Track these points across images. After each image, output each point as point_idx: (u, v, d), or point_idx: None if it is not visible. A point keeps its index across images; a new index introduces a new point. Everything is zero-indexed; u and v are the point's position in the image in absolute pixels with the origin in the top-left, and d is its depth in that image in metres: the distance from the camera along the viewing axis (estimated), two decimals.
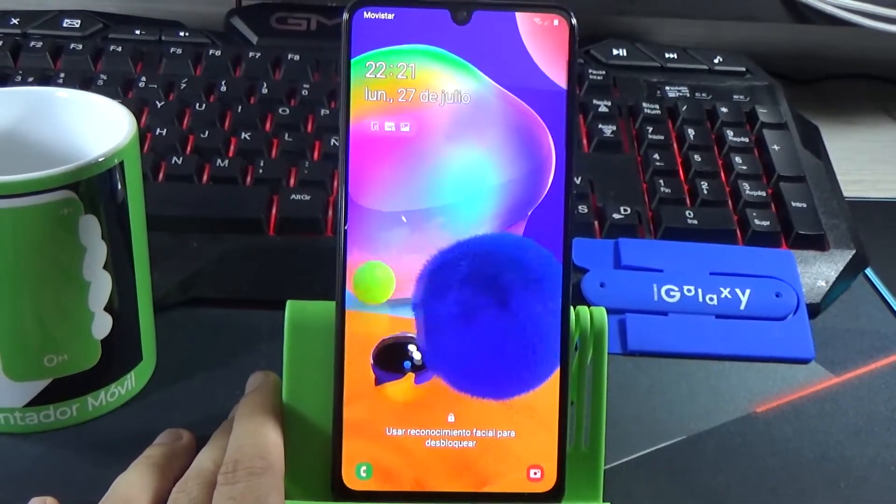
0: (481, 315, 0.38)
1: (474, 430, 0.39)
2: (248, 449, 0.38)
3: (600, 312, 0.40)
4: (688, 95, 0.69)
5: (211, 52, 0.68)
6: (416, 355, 0.38)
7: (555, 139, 0.38)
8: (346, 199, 0.38)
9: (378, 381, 0.38)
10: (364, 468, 0.38)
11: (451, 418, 0.38)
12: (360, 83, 0.38)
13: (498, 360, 0.38)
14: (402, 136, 0.38)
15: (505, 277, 0.38)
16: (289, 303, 0.40)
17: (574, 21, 0.38)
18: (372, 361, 0.38)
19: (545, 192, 0.38)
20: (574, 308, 0.40)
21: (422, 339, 0.38)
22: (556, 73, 0.38)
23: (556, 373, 0.39)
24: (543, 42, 0.38)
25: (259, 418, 0.39)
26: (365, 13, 0.37)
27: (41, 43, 0.67)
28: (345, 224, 0.38)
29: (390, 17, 0.38)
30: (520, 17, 0.38)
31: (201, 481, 0.38)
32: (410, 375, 0.38)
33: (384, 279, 0.38)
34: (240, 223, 0.55)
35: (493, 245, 0.38)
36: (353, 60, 0.38)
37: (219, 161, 0.58)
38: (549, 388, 0.39)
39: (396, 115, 0.38)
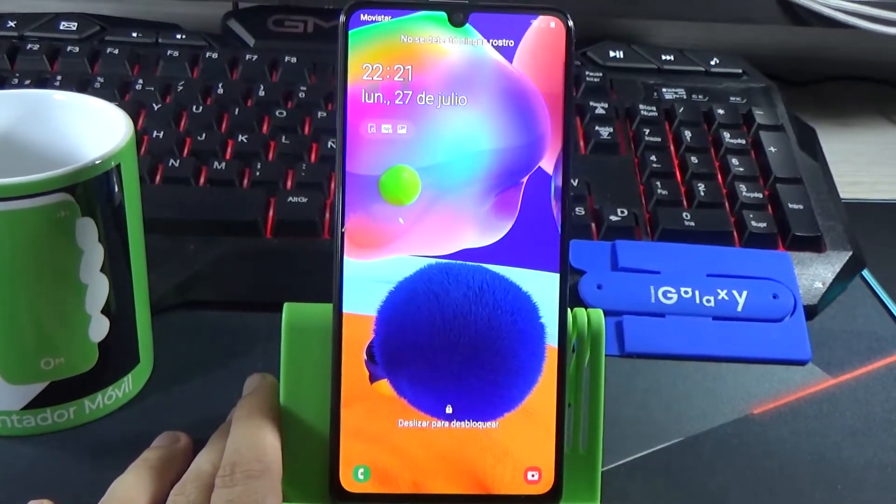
0: (464, 342, 0.38)
1: (472, 433, 0.39)
2: (246, 452, 0.38)
3: (597, 314, 0.41)
4: (684, 97, 0.69)
5: (208, 54, 0.68)
6: None
7: (551, 137, 0.38)
8: (343, 199, 0.38)
9: (372, 379, 0.38)
10: (362, 470, 0.38)
11: (447, 421, 0.38)
12: (357, 84, 0.38)
13: (479, 388, 0.38)
14: (398, 137, 0.38)
15: (489, 297, 0.38)
16: (286, 305, 0.40)
17: (570, 23, 0.38)
18: (365, 357, 0.38)
19: (538, 165, 0.38)
20: (571, 310, 0.40)
21: (396, 378, 0.38)
22: (553, 75, 0.38)
23: (553, 375, 0.39)
24: (540, 44, 0.38)
25: (256, 421, 0.39)
26: (361, 15, 0.38)
27: (38, 45, 0.67)
28: (342, 226, 0.38)
29: (387, 18, 0.38)
30: (516, 19, 0.38)
31: (199, 484, 0.38)
32: None
33: (410, 181, 0.38)
34: (237, 226, 0.55)
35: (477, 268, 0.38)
36: (349, 63, 0.38)
37: (216, 163, 0.58)
38: (547, 391, 0.39)
39: (394, 117, 0.38)
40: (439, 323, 0.38)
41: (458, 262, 0.38)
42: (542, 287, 0.38)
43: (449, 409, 0.39)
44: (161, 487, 0.39)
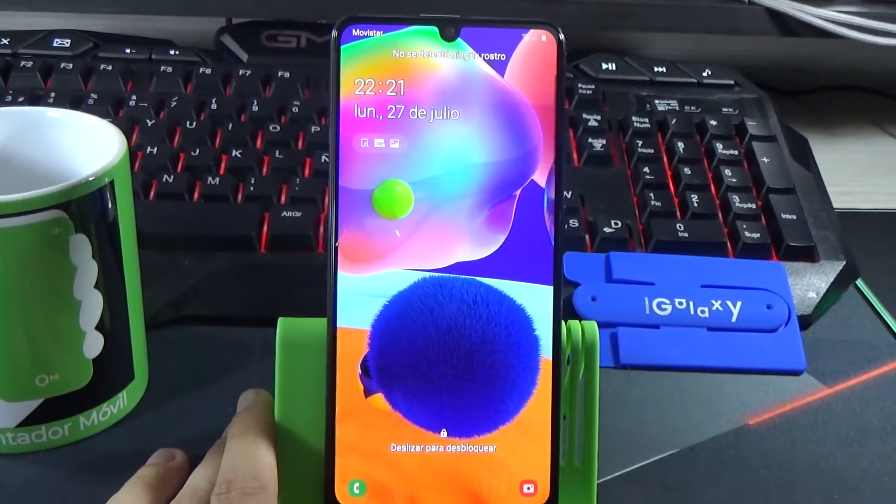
0: (458, 355, 0.38)
1: (467, 446, 0.39)
2: (242, 469, 0.38)
3: (591, 326, 0.41)
4: (677, 109, 0.69)
5: (201, 70, 0.68)
6: None
7: (544, 150, 0.38)
8: (336, 214, 0.38)
9: (367, 393, 0.38)
10: (357, 485, 0.38)
11: (443, 433, 0.38)
12: (350, 99, 0.38)
13: (474, 401, 0.38)
14: (391, 152, 0.38)
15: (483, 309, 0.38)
16: (280, 320, 0.40)
17: (562, 36, 0.38)
18: (360, 372, 0.38)
19: (531, 178, 0.38)
20: (565, 322, 0.40)
21: (391, 392, 0.38)
22: (545, 88, 0.38)
23: (548, 387, 0.39)
24: (532, 58, 0.38)
25: (251, 438, 0.39)
26: (353, 30, 0.38)
27: (31, 62, 0.67)
28: (335, 240, 0.38)
29: (379, 33, 0.38)
30: (508, 32, 0.38)
31: (195, 501, 0.38)
32: None
33: (403, 195, 0.38)
34: (231, 241, 0.55)
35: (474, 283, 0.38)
36: (341, 78, 0.38)
37: (210, 179, 0.58)
38: (542, 403, 0.39)
39: (387, 132, 0.38)
40: (433, 336, 0.38)
41: (451, 275, 0.38)
42: (536, 300, 0.39)
43: (444, 423, 0.39)
44: None
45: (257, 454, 0.38)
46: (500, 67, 0.38)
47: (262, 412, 0.41)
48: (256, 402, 0.42)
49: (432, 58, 0.38)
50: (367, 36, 0.38)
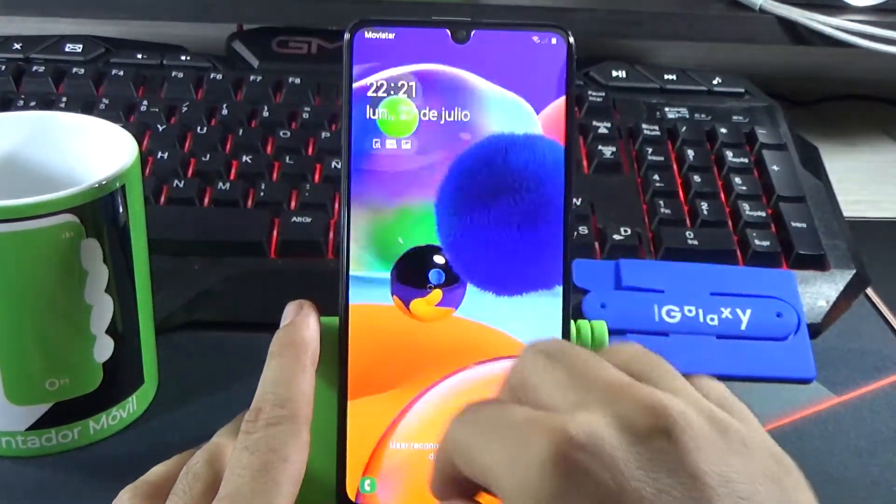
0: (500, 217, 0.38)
1: None
2: (271, 396, 0.36)
3: (601, 325, 0.41)
4: (687, 116, 0.69)
5: (212, 75, 0.68)
6: (441, 259, 0.38)
7: (553, 157, 0.38)
8: (348, 216, 0.38)
9: (404, 300, 0.38)
10: (368, 482, 0.38)
11: None
12: (362, 103, 0.38)
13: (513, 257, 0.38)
14: (403, 155, 0.38)
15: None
16: None
17: (572, 40, 0.38)
18: (395, 277, 0.38)
19: (544, 207, 0.38)
20: (575, 322, 0.40)
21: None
22: (555, 91, 0.38)
23: None
24: (541, 61, 0.38)
25: (286, 359, 0.37)
26: (366, 33, 0.38)
27: (43, 67, 0.67)
28: (346, 242, 0.38)
29: (391, 36, 0.38)
30: (518, 36, 0.38)
31: (208, 455, 0.37)
32: (433, 296, 0.38)
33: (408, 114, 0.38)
34: (241, 246, 0.55)
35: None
36: (354, 81, 0.38)
37: (220, 184, 0.58)
38: None
39: (398, 133, 0.38)
40: None
41: None
42: (545, 306, 0.39)
43: None
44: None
45: (290, 378, 0.37)
46: (510, 70, 0.38)
47: (300, 328, 0.38)
48: (299, 317, 0.39)
49: (444, 61, 0.38)
50: (380, 39, 0.38)
